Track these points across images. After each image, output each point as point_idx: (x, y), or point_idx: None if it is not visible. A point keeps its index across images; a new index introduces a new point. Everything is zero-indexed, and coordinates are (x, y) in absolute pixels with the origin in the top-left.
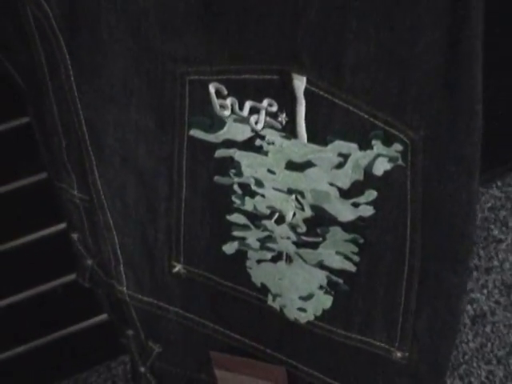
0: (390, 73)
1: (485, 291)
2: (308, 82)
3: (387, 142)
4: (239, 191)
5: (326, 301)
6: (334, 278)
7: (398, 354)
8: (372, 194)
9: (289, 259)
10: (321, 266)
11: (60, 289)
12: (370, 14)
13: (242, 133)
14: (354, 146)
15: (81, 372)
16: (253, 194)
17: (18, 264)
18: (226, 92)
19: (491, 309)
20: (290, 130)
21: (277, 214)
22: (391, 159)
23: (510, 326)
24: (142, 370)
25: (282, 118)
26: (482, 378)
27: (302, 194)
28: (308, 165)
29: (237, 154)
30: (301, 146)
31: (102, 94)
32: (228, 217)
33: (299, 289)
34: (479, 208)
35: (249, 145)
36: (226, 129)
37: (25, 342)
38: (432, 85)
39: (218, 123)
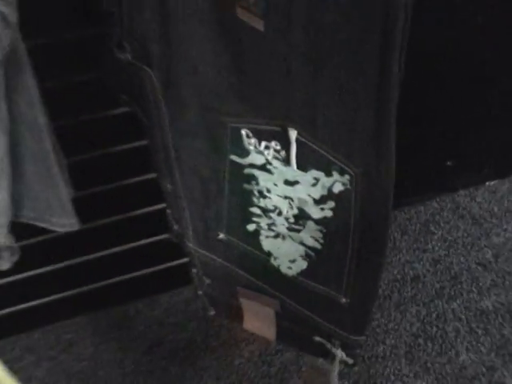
0: (343, 131)
1: (421, 263)
2: (298, 133)
3: (341, 173)
4: (257, 194)
5: (303, 264)
6: (309, 251)
7: (343, 300)
8: (331, 204)
9: (283, 237)
10: (301, 243)
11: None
12: (332, 98)
13: (259, 160)
14: (322, 173)
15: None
16: (264, 197)
17: (147, 228)
18: (251, 135)
19: (424, 273)
20: (286, 161)
21: (278, 210)
22: (343, 184)
23: (433, 285)
24: (200, 293)
25: (283, 153)
26: (413, 313)
27: (292, 199)
28: (296, 182)
29: (256, 173)
30: (292, 171)
31: (182, 131)
32: (250, 209)
33: (288, 255)
34: (424, 212)
35: (263, 167)
36: (250, 157)
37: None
38: (366, 142)
39: (245, 153)
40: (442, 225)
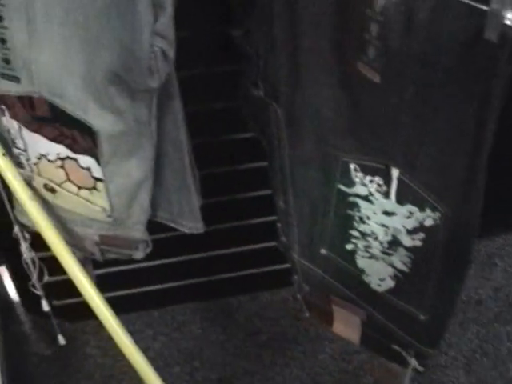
0: (438, 176)
1: (484, 289)
2: (399, 172)
3: (433, 210)
4: (358, 220)
5: (391, 283)
6: (397, 273)
7: (422, 317)
8: (421, 235)
9: (376, 259)
10: (391, 265)
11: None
12: (432, 147)
13: (363, 191)
14: (416, 209)
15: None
16: (364, 222)
17: (258, 235)
18: (358, 169)
19: (486, 299)
20: (386, 194)
21: (374, 235)
22: (434, 219)
23: (493, 309)
24: (298, 296)
25: (384, 187)
26: (473, 332)
27: (387, 227)
28: (393, 214)
29: (359, 201)
30: (391, 204)
31: (299, 160)
32: (350, 231)
33: (379, 274)
34: (491, 246)
35: (365, 198)
36: (355, 188)
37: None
38: (457, 187)
39: (352, 184)
40: (504, 258)
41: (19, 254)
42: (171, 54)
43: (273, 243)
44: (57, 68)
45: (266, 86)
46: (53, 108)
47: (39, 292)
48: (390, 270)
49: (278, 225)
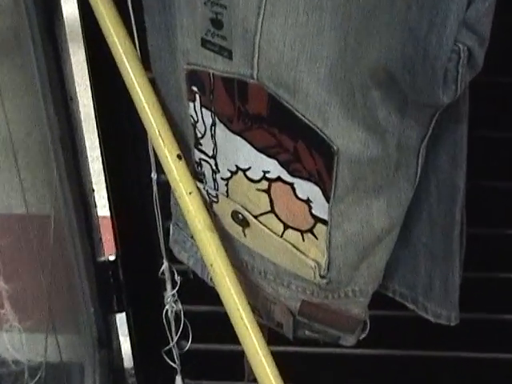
0: None
1: None
2: None
3: None
4: None
5: None
6: None
7: None
8: None
9: None
10: None
11: None
12: None
13: None
14: None
15: None
16: None
17: None
18: None
19: None
20: None
21: None
22: None
23: None
24: None
25: None
26: None
27: None
28: None
29: None
30: None
31: None
32: None
33: None
34: None
35: None
36: None
37: None
38: None
39: None
40: None
41: (156, 303)
42: (481, 58)
43: None
44: (293, 49)
45: None
46: (274, 104)
47: (175, 364)
48: None
49: None
